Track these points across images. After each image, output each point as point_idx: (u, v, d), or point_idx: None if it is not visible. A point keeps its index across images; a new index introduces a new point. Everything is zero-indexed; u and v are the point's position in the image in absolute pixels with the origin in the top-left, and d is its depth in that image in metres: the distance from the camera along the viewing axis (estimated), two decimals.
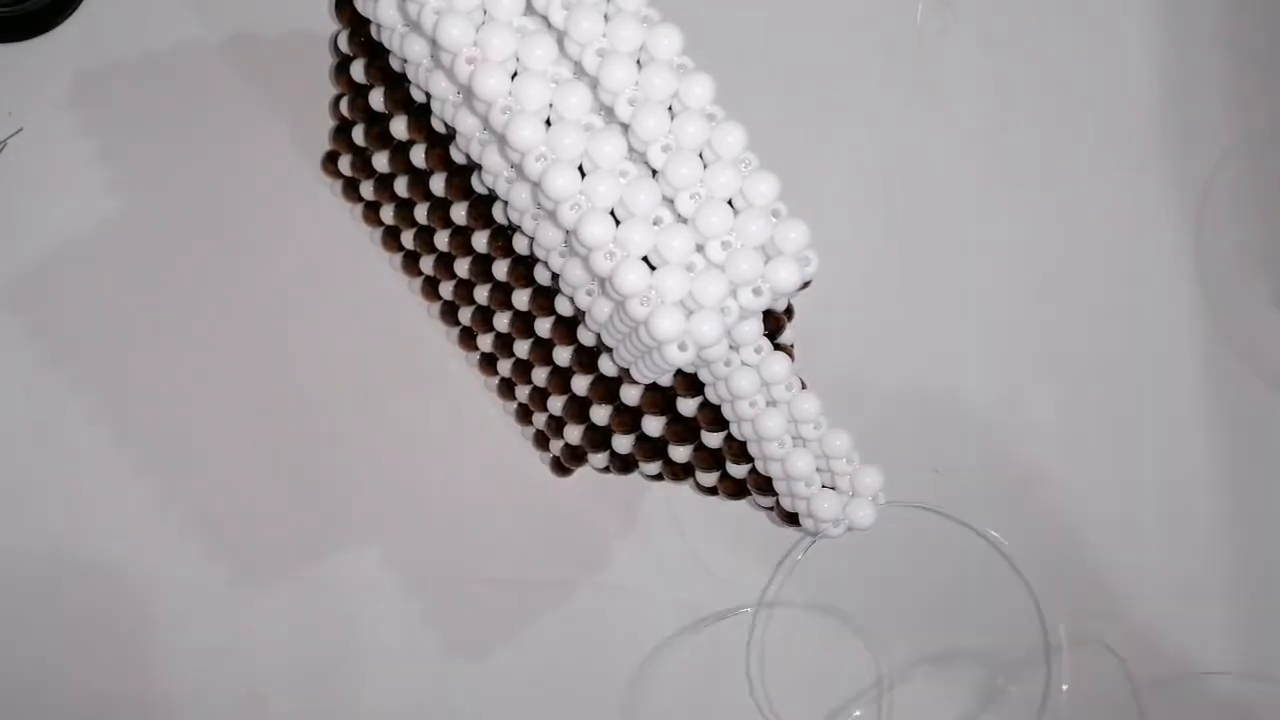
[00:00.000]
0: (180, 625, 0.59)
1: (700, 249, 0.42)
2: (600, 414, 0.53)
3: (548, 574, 0.62)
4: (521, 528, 0.62)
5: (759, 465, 0.50)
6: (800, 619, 0.63)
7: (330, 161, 0.59)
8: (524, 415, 0.59)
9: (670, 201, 0.43)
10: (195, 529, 0.60)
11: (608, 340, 0.46)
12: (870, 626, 0.63)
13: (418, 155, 0.52)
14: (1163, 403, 0.67)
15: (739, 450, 0.50)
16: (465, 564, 0.61)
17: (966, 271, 0.66)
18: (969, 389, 0.65)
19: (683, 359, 0.42)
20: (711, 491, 0.53)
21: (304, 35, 0.61)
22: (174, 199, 0.61)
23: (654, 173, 0.43)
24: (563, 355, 0.53)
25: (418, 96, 0.50)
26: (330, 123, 0.57)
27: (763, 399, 0.47)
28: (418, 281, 0.59)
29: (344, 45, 0.52)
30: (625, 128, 0.43)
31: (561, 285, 0.46)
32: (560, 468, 0.59)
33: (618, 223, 0.42)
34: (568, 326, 0.51)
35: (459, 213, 0.51)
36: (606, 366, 0.51)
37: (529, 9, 0.43)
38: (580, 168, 0.42)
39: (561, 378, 0.54)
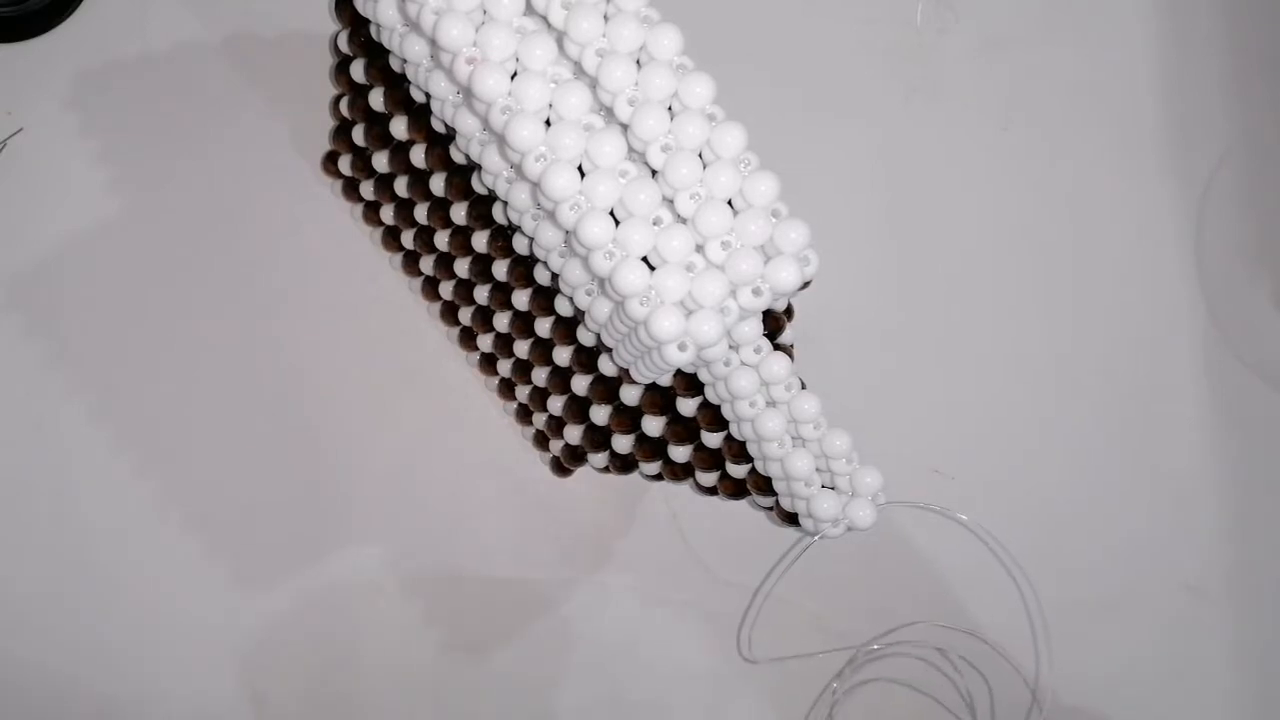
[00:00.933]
0: (180, 625, 0.59)
1: (700, 249, 0.42)
2: (600, 414, 0.53)
3: (548, 574, 0.62)
4: (521, 528, 0.62)
5: (759, 465, 0.50)
6: (799, 616, 0.63)
7: (330, 161, 0.59)
8: (524, 415, 0.59)
9: (670, 201, 0.43)
10: (195, 529, 0.60)
11: (607, 340, 0.46)
12: (867, 623, 0.63)
13: (418, 155, 0.52)
14: (1162, 402, 0.67)
15: (739, 450, 0.50)
16: (465, 564, 0.61)
17: (966, 271, 0.66)
18: (969, 389, 0.65)
19: (682, 359, 0.42)
20: (711, 491, 0.53)
21: (304, 35, 0.61)
22: (174, 199, 0.61)
23: (654, 173, 0.43)
24: (563, 355, 0.53)
25: (418, 96, 0.50)
26: (330, 123, 0.57)
27: (762, 399, 0.47)
28: (418, 281, 0.59)
29: (344, 45, 0.52)
30: (625, 128, 0.43)
31: (561, 285, 0.46)
32: (560, 468, 0.59)
33: (617, 223, 0.42)
34: (568, 326, 0.51)
35: (459, 213, 0.51)
36: (606, 366, 0.51)
37: (529, 9, 0.43)
38: (580, 168, 0.42)
39: (561, 378, 0.54)
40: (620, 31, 0.42)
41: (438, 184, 0.52)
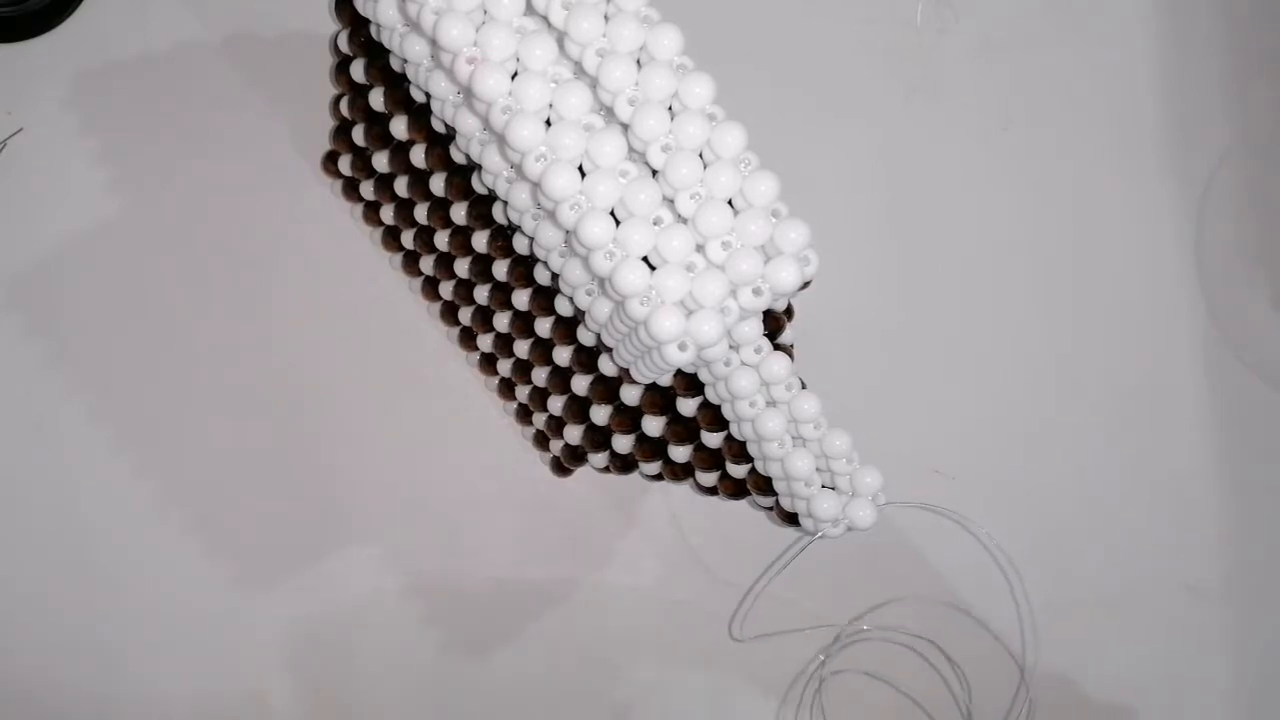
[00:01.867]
0: (180, 625, 0.59)
1: (700, 249, 0.42)
2: (600, 414, 0.53)
3: (548, 574, 0.62)
4: (521, 528, 0.62)
5: (759, 465, 0.50)
6: (796, 614, 0.63)
7: (330, 161, 0.59)
8: (524, 415, 0.59)
9: (670, 201, 0.43)
10: (195, 529, 0.60)
11: (608, 340, 0.46)
12: (864, 621, 0.63)
13: (418, 155, 0.52)
14: (1163, 402, 0.67)
15: (739, 450, 0.50)
16: (465, 564, 0.61)
17: (966, 271, 0.66)
18: (969, 389, 0.65)
19: (683, 359, 0.42)
20: (711, 491, 0.53)
21: (304, 35, 0.61)
22: (174, 199, 0.61)
23: (654, 173, 0.43)
24: (563, 355, 0.53)
25: (418, 96, 0.50)
26: (330, 123, 0.57)
27: (762, 399, 0.47)
28: (418, 281, 0.59)
29: (344, 45, 0.52)
30: (625, 128, 0.43)
31: (561, 285, 0.46)
32: (560, 468, 0.59)
33: (618, 223, 0.42)
34: (568, 326, 0.51)
35: (459, 213, 0.51)
36: (606, 366, 0.51)
37: (529, 9, 0.43)
38: (580, 168, 0.42)
39: (561, 378, 0.54)
40: (620, 31, 0.42)
41: (438, 184, 0.52)
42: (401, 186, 0.54)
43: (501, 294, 0.53)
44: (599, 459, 0.56)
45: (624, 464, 0.55)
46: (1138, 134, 0.68)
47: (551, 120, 0.42)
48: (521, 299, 0.52)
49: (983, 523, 0.63)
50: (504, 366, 0.57)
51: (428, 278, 0.58)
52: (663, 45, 0.43)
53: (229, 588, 0.60)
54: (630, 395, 0.52)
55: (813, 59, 0.67)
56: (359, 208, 0.59)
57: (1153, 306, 0.67)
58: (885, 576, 0.64)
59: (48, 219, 0.60)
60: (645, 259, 0.42)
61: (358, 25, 0.50)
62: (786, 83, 0.65)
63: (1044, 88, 0.68)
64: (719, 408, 0.49)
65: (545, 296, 0.51)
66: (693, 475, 0.53)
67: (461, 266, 0.54)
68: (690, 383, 0.49)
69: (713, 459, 0.51)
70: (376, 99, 0.52)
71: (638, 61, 0.43)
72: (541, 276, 0.50)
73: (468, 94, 0.43)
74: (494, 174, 0.46)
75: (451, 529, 0.61)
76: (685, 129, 0.42)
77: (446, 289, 0.57)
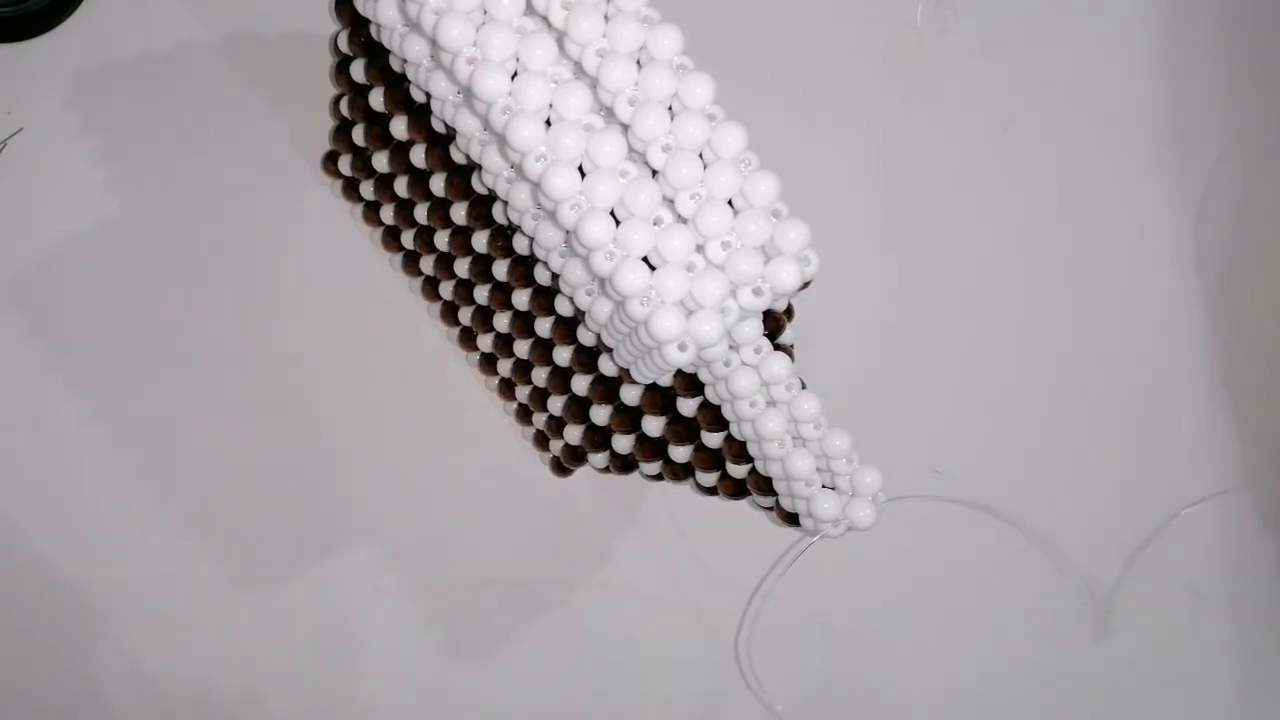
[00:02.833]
0: (180, 625, 0.59)
1: (700, 249, 0.42)
2: (600, 414, 0.53)
3: (548, 574, 0.62)
4: (521, 528, 0.62)
5: (759, 465, 0.50)
6: (797, 614, 0.63)
7: (330, 161, 0.59)
8: (524, 415, 0.59)
9: (670, 201, 0.43)
10: (195, 529, 0.60)
11: (608, 340, 0.46)
12: (864, 620, 0.63)
13: (418, 155, 0.52)
14: (1162, 402, 0.67)
15: (739, 450, 0.50)
16: (465, 564, 0.61)
17: (966, 271, 0.66)
18: (969, 388, 0.65)
19: (683, 359, 0.42)
20: (711, 491, 0.53)
21: (304, 35, 0.61)
22: (174, 199, 0.61)
23: (654, 173, 0.43)
24: (563, 355, 0.53)
25: (418, 96, 0.50)
26: (330, 123, 0.57)
27: (763, 399, 0.47)
28: (418, 281, 0.59)
29: (344, 45, 0.52)
30: (625, 128, 0.43)
31: (561, 285, 0.46)
32: (560, 468, 0.59)
33: (618, 223, 0.42)
34: (568, 326, 0.51)
35: (459, 213, 0.51)
36: (606, 366, 0.51)
37: (529, 9, 0.43)
38: (580, 168, 0.42)
39: (561, 378, 0.54)
40: (620, 31, 0.42)
41: (438, 184, 0.52)
42: (401, 186, 0.54)
43: (501, 294, 0.53)
44: (599, 459, 0.56)
45: (624, 464, 0.55)
46: (1138, 134, 0.68)
47: (551, 120, 0.42)
48: (521, 299, 0.52)
49: (983, 522, 0.63)
50: (504, 366, 0.57)
51: (428, 278, 0.58)
52: (663, 45, 0.43)
53: (229, 588, 0.60)
54: (630, 395, 0.52)
55: (813, 59, 0.67)
56: (359, 208, 0.59)
57: (1153, 306, 0.67)
58: (885, 575, 0.64)
59: (48, 219, 0.60)
60: (645, 259, 0.42)
61: (358, 25, 0.50)
62: (786, 83, 0.65)
63: (1044, 88, 0.68)
64: (719, 408, 0.49)
65: (545, 296, 0.51)
66: (693, 475, 0.53)
67: (461, 266, 0.54)
68: (690, 383, 0.49)
69: (713, 459, 0.51)
70: (376, 99, 0.52)
71: (638, 61, 0.43)
72: (541, 277, 0.50)
73: (468, 94, 0.43)
74: (494, 174, 0.46)
75: (451, 529, 0.61)
76: (685, 129, 0.42)
77: (446, 289, 0.57)
